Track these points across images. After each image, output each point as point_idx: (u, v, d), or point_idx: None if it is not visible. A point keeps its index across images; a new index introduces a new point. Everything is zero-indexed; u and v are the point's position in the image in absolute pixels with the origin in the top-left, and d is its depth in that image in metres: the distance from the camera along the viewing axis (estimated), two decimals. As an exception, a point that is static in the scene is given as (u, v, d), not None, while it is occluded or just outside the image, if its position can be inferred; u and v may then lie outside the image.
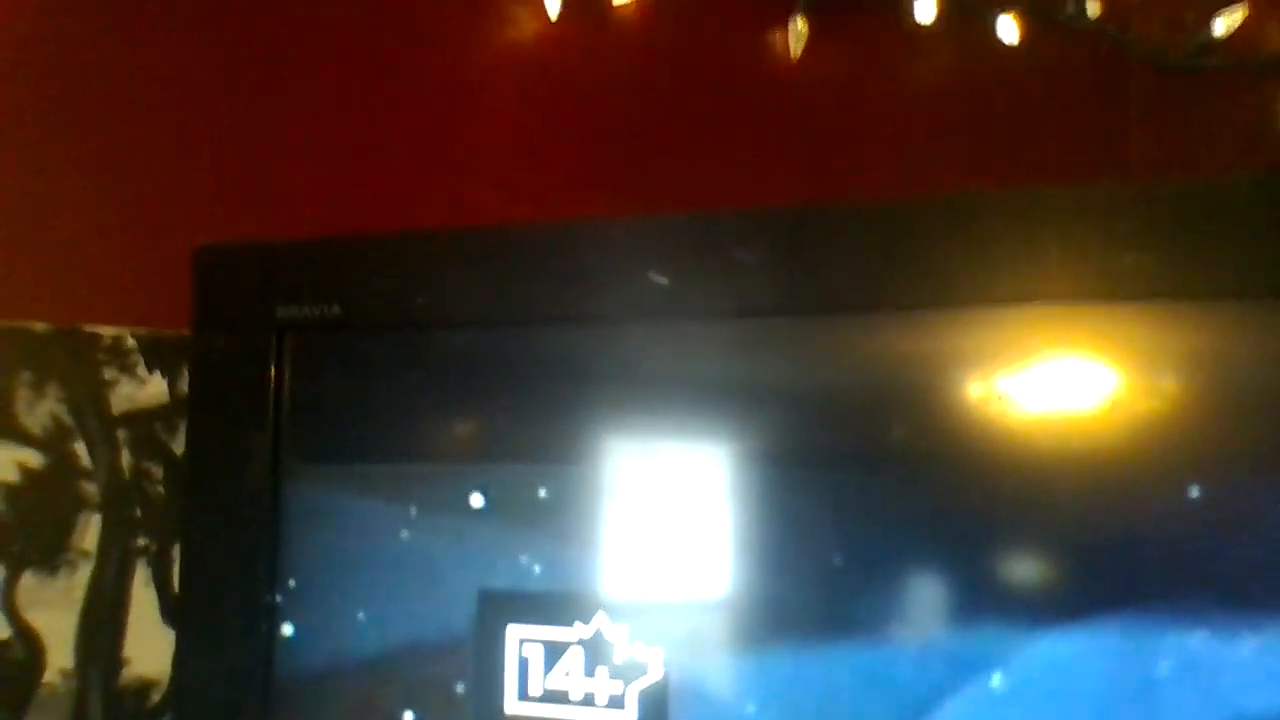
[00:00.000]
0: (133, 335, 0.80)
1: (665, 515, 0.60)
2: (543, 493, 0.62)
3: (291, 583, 0.65)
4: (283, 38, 0.87)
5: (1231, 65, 1.07)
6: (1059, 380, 0.54)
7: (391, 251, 0.68)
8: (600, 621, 0.60)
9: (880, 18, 1.05)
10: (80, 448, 0.78)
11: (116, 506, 0.79)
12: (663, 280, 0.61)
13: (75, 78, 0.81)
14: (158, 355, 0.80)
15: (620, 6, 0.97)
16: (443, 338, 0.65)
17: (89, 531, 0.78)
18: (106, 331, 0.79)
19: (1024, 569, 0.55)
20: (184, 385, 0.80)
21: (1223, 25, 1.07)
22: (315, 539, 0.65)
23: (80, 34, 0.81)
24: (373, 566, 0.64)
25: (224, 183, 0.84)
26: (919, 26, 1.05)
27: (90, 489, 0.78)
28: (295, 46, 0.88)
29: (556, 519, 0.62)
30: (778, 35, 1.02)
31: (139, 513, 0.79)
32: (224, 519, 0.67)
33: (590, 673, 0.60)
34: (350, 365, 0.67)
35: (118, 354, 0.79)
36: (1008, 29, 1.07)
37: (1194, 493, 0.51)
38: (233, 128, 0.85)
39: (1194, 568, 0.51)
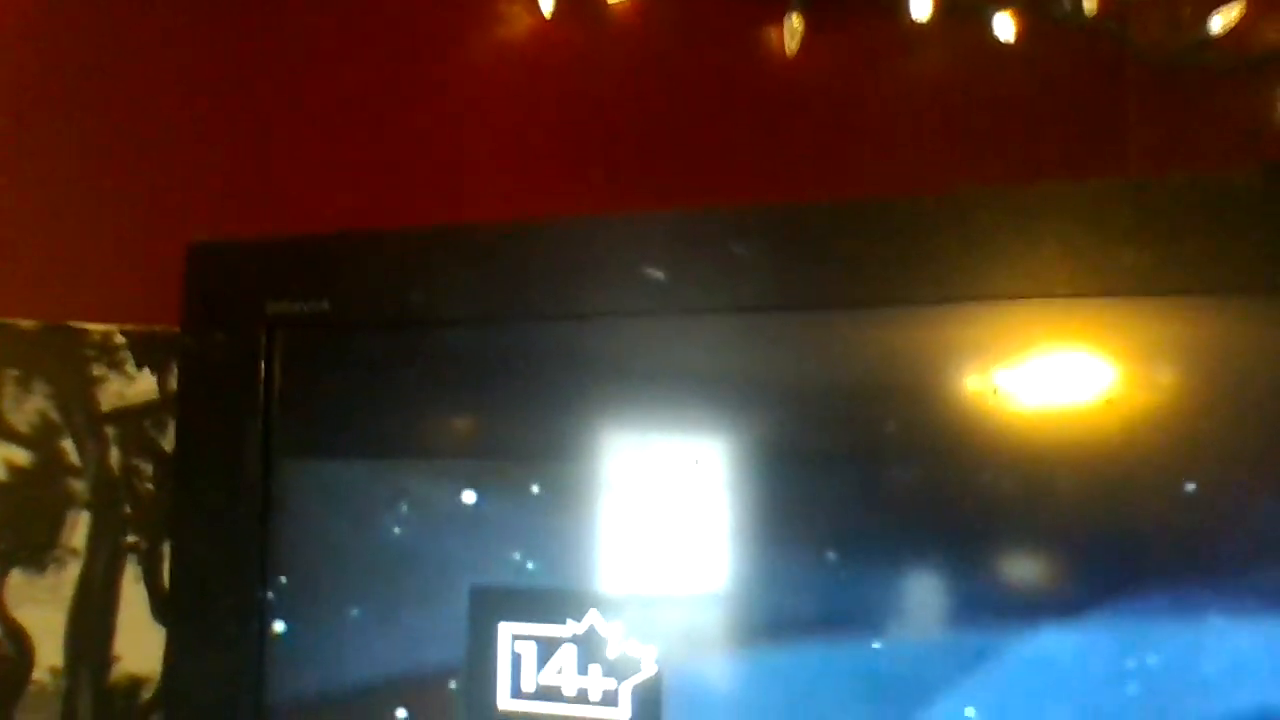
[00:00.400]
0: (121, 332, 0.80)
1: (658, 512, 0.60)
2: (535, 489, 0.61)
3: (283, 579, 0.64)
4: (274, 35, 0.87)
5: (1229, 62, 1.07)
6: (1055, 376, 0.54)
7: (382, 248, 0.67)
8: (593, 618, 0.59)
9: (876, 14, 1.04)
10: (69, 445, 0.78)
11: (105, 503, 0.79)
12: (656, 276, 0.60)
13: (65, 74, 0.80)
14: (147, 352, 0.80)
15: (614, 3, 0.97)
16: (434, 334, 0.65)
17: (78, 529, 0.78)
18: (95, 328, 0.79)
19: (1019, 565, 0.55)
20: (173, 382, 0.80)
21: (1220, 22, 1.07)
22: (306, 535, 0.65)
23: (71, 31, 0.80)
24: (365, 563, 0.64)
25: (214, 179, 0.84)
26: (915, 23, 1.05)
27: (79, 486, 0.78)
28: (287, 43, 0.87)
29: (549, 515, 0.61)
30: (773, 31, 1.02)
31: (128, 510, 0.79)
32: (214, 515, 0.66)
33: (583, 670, 0.59)
34: (340, 361, 0.67)
35: (106, 350, 0.79)
36: (1004, 26, 1.07)
37: (1190, 488, 0.51)
38: (223, 124, 0.85)
39: (1190, 563, 0.51)
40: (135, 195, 0.82)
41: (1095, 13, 1.10)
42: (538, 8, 0.93)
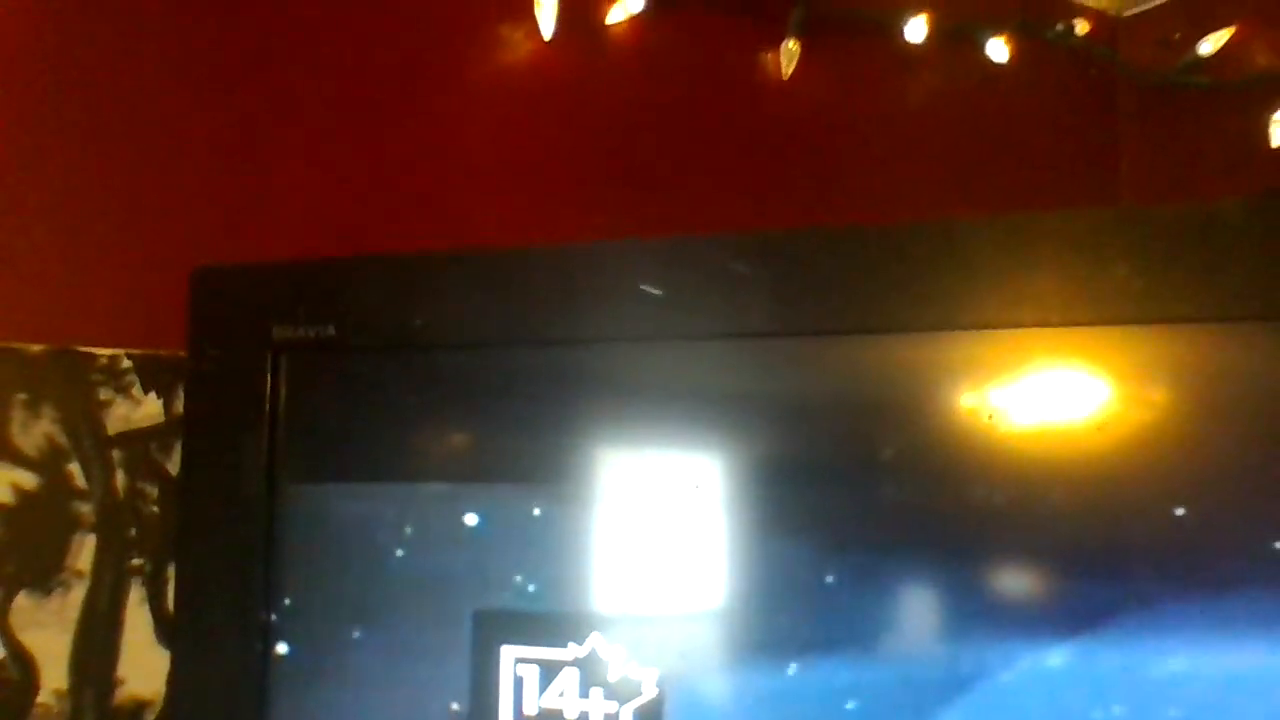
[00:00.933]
0: (128, 356, 0.80)
1: (659, 534, 0.60)
2: (537, 512, 0.62)
3: (287, 602, 0.65)
4: (279, 61, 0.88)
5: (1219, 84, 1.09)
6: (1047, 402, 0.55)
7: (386, 273, 0.68)
8: (595, 641, 0.60)
9: (872, 38, 1.06)
10: (75, 468, 0.78)
11: (111, 527, 0.79)
12: (655, 302, 0.61)
13: (70, 97, 0.81)
14: (153, 376, 0.80)
15: (613, 26, 0.98)
16: (437, 358, 0.66)
17: (83, 552, 0.78)
18: (101, 352, 0.79)
19: (1012, 587, 0.55)
20: (179, 405, 0.80)
21: (1210, 44, 1.08)
22: (310, 558, 0.66)
23: (76, 54, 0.81)
24: (368, 586, 0.64)
25: (219, 204, 0.85)
26: (910, 48, 1.06)
27: (85, 509, 0.78)
28: (291, 69, 0.88)
29: (551, 538, 0.62)
30: (770, 55, 1.03)
31: (133, 533, 0.79)
32: (219, 538, 0.67)
33: (585, 693, 0.60)
34: (345, 385, 0.67)
35: (113, 375, 0.80)
36: (998, 49, 1.08)
37: (1179, 512, 0.52)
38: (228, 149, 0.85)
39: (1180, 586, 0.52)
40: (141, 220, 0.82)
41: (1086, 35, 1.11)
42: (538, 31, 0.94)
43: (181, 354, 0.69)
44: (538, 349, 0.64)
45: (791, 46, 1.02)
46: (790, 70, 1.03)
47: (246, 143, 0.86)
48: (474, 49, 0.94)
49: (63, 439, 0.78)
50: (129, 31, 0.83)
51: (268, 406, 0.66)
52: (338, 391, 0.67)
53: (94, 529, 0.78)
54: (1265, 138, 1.04)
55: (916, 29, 1.05)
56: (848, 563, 0.57)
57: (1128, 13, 1.14)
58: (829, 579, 0.57)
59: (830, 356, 0.60)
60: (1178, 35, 1.12)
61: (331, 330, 0.66)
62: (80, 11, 0.81)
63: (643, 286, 0.61)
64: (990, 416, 0.55)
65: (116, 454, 0.79)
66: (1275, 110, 1.04)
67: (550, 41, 0.95)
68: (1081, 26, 1.10)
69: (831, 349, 0.59)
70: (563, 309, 0.63)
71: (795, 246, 0.60)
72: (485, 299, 0.65)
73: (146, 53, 0.83)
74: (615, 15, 0.97)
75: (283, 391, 0.67)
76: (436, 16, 0.93)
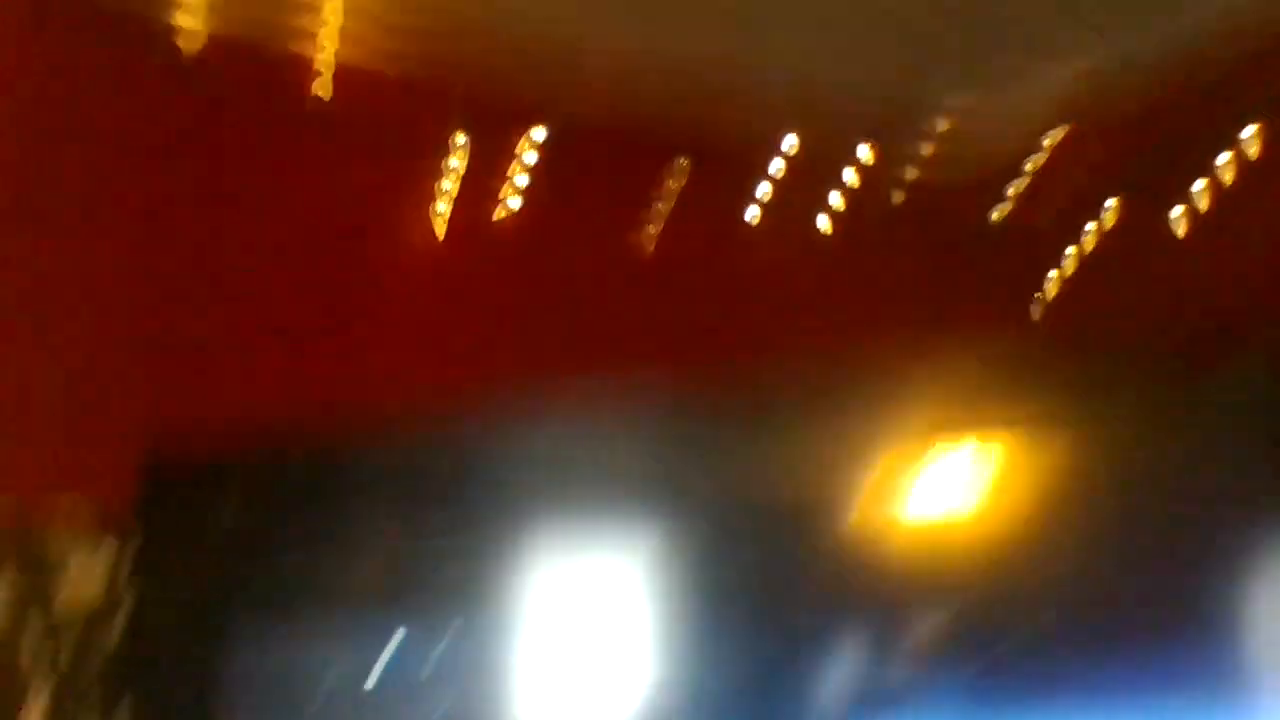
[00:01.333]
0: (77, 524, 0.85)
1: (580, 642, 0.68)
2: (458, 624, 0.70)
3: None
4: (220, 253, 0.98)
5: (1027, 223, 1.24)
6: (922, 498, 0.65)
7: (305, 463, 0.77)
8: (525, 743, 0.67)
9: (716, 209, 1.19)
10: (31, 629, 0.82)
11: (65, 684, 0.82)
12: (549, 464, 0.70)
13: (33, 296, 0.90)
14: (102, 542, 0.86)
15: (499, 220, 1.11)
16: (358, 526, 0.74)
17: (40, 698, 0.81)
18: (54, 520, 0.85)
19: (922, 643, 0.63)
20: (128, 569, 0.85)
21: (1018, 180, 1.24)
22: (258, 692, 0.71)
23: (32, 241, 0.90)
24: (311, 707, 0.71)
25: (166, 375, 0.93)
26: (749, 221, 1.19)
27: (40, 668, 0.82)
28: (231, 262, 0.98)
29: (472, 650, 0.69)
30: (642, 227, 1.16)
31: (86, 691, 0.83)
32: (170, 690, 0.72)
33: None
34: (276, 547, 0.75)
35: (64, 543, 0.85)
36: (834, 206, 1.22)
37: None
38: (172, 326, 0.95)
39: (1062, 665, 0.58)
40: (94, 394, 0.90)
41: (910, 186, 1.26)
42: (437, 229, 1.07)
43: (132, 523, 0.76)
44: (449, 501, 0.73)
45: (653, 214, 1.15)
46: (654, 237, 1.15)
47: (187, 317, 0.96)
48: (386, 245, 1.07)
49: (17, 603, 0.82)
50: (76, 224, 0.92)
51: (209, 571, 0.74)
52: (270, 552, 0.75)
53: (48, 682, 0.82)
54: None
55: (768, 182, 1.18)
56: (745, 668, 0.65)
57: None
58: (730, 687, 0.64)
59: (735, 471, 0.69)
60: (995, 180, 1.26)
61: (265, 512, 0.74)
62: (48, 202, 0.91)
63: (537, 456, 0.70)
64: (871, 511, 0.65)
65: (70, 617, 0.83)
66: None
67: (444, 238, 1.08)
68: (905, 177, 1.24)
69: (734, 466, 0.68)
70: (463, 487, 0.72)
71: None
72: (387, 481, 0.74)
73: (93, 238, 0.92)
74: (503, 211, 1.11)
75: (222, 554, 0.74)
76: (358, 225, 1.05)
